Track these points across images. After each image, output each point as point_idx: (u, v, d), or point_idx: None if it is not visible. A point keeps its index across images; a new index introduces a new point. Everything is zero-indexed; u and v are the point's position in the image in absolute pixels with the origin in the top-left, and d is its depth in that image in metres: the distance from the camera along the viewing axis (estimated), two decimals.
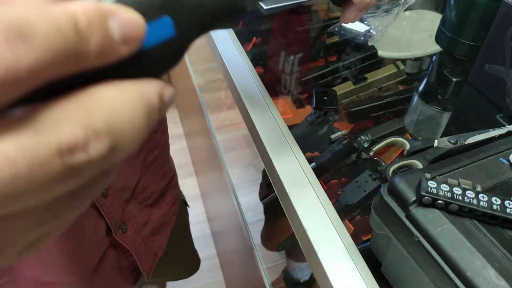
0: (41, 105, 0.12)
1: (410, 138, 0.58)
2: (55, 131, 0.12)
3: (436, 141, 0.45)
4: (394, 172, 0.40)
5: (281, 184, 0.42)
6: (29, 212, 0.13)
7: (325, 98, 0.53)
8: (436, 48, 0.70)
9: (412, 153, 0.43)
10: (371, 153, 0.44)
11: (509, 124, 0.51)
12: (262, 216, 0.92)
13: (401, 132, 0.58)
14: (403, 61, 0.75)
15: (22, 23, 0.11)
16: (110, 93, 0.13)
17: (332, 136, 0.47)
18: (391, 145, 0.46)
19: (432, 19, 0.79)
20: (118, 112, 0.13)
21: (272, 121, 0.50)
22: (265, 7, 0.32)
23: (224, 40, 0.72)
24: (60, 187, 0.12)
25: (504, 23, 0.49)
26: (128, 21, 0.13)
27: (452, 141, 0.45)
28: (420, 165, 0.41)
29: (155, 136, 0.49)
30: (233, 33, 0.75)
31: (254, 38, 0.82)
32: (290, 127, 0.59)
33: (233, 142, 1.33)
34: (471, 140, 0.46)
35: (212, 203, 1.44)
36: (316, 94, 0.54)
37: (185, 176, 1.62)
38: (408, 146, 0.43)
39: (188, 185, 1.60)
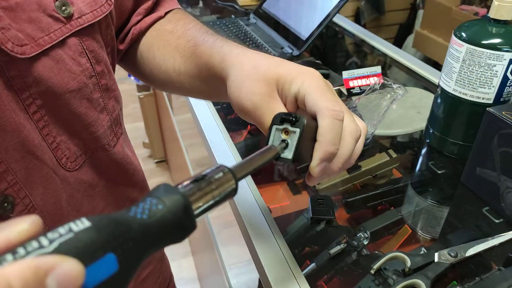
0: None
1: (409, 230, 0.57)
2: None
3: (436, 254, 0.44)
4: None
5: None
6: None
7: (321, 205, 0.53)
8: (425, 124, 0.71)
9: (414, 270, 0.43)
10: (372, 271, 0.43)
11: (506, 228, 0.51)
12: None
13: (399, 223, 0.58)
14: (394, 138, 0.77)
15: None
16: None
17: (331, 252, 0.47)
18: (392, 258, 0.45)
19: (419, 97, 0.84)
20: None
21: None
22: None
23: (216, 136, 0.73)
24: None
25: (489, 131, 0.50)
26: (66, 273, 0.13)
27: (453, 254, 0.44)
28: (422, 285, 0.41)
29: None
30: (222, 125, 0.76)
31: (249, 126, 0.83)
32: (288, 216, 0.59)
33: (226, 219, 1.30)
34: (471, 251, 0.45)
35: (208, 286, 1.39)
36: (312, 202, 0.54)
37: (181, 256, 1.57)
38: (409, 262, 0.43)
39: (185, 266, 1.55)
